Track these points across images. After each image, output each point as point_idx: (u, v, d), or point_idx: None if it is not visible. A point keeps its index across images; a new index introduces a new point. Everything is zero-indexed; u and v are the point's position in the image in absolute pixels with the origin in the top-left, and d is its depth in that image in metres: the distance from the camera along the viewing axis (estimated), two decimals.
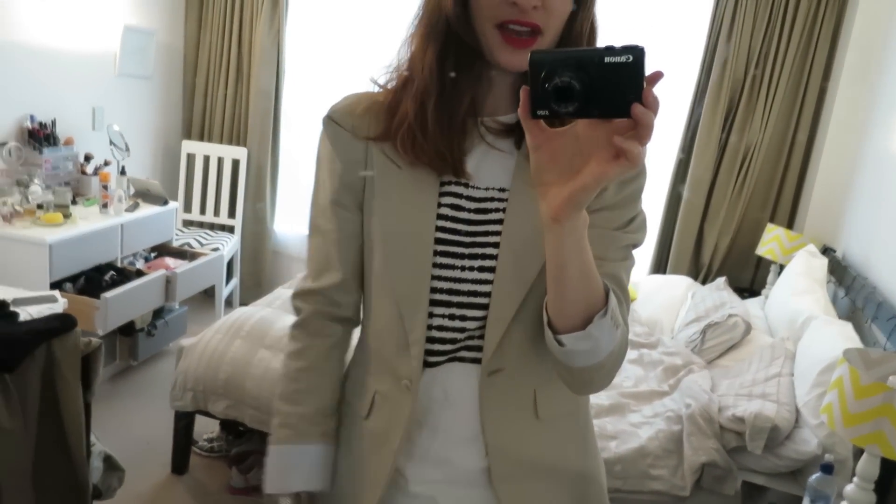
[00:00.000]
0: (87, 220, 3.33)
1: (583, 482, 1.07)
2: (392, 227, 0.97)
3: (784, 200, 3.96)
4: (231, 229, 4.61)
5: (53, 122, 3.56)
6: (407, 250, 0.97)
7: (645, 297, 3.69)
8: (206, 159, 4.57)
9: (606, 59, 0.68)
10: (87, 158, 3.75)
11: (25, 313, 2.25)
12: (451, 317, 0.97)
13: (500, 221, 0.96)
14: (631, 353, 3.01)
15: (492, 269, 0.96)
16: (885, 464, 1.86)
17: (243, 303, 4.47)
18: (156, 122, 4.54)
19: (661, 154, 4.00)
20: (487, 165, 0.97)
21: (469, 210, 0.97)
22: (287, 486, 1.04)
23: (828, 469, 1.94)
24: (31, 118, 3.47)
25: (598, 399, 2.55)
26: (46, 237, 3.01)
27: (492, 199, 0.97)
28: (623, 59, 0.68)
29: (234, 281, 4.61)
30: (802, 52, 3.76)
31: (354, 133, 0.99)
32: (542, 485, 1.03)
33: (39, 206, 3.20)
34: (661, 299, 3.62)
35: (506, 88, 0.96)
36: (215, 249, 4.08)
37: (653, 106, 0.69)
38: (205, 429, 2.98)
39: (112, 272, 3.38)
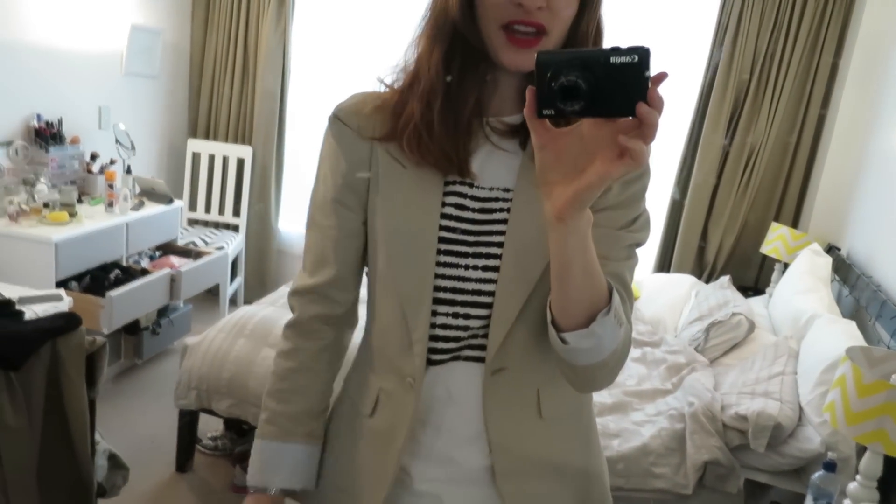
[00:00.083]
0: (92, 219, 3.34)
1: (586, 480, 1.07)
2: (396, 226, 0.98)
3: (789, 199, 3.96)
4: (236, 228, 4.62)
5: (60, 121, 3.57)
6: (410, 249, 0.97)
7: (648, 296, 3.69)
8: (212, 158, 4.59)
9: (612, 60, 0.69)
10: (93, 157, 3.77)
11: (31, 312, 2.26)
12: (455, 315, 0.97)
13: (504, 221, 0.96)
14: (634, 352, 3.01)
15: (496, 269, 0.96)
16: (889, 462, 1.87)
17: (247, 301, 4.48)
18: (161, 121, 4.56)
19: (665, 153, 4.00)
20: (492, 166, 0.97)
21: (473, 210, 0.97)
22: (268, 483, 1.06)
23: (831, 467, 1.94)
24: (38, 117, 3.48)
25: (601, 397, 2.56)
26: (52, 236, 3.02)
27: (496, 199, 0.97)
28: (629, 59, 0.69)
29: (239, 280, 4.62)
30: (808, 52, 3.76)
31: (360, 133, 0.99)
32: (545, 483, 1.03)
33: (45, 205, 3.21)
34: (665, 298, 3.62)
35: (511, 90, 0.96)
36: (220, 248, 4.10)
37: (657, 106, 0.69)
38: (209, 427, 3.00)
39: (117, 271, 3.39)
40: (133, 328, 3.50)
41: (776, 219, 3.93)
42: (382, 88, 1.01)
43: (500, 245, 0.96)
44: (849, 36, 3.74)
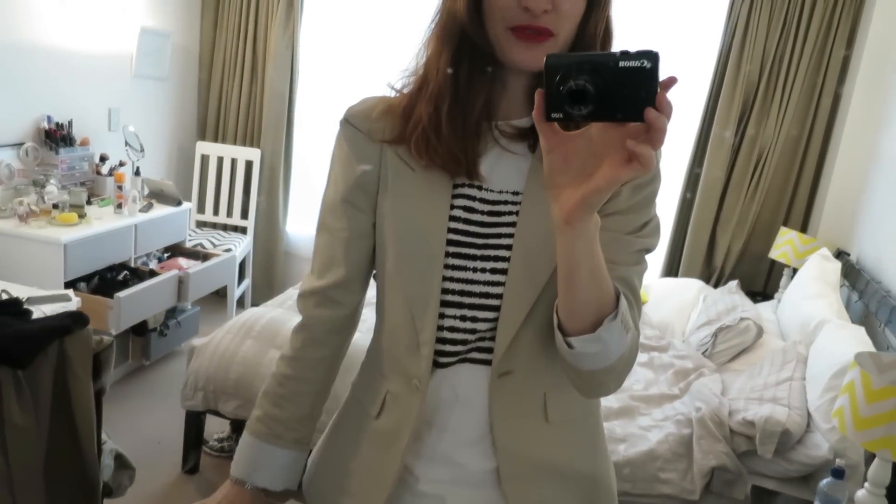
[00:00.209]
0: (101, 221, 3.35)
1: (592, 485, 1.07)
2: (404, 228, 0.98)
3: (798, 204, 3.94)
4: (244, 230, 4.64)
5: (70, 123, 3.59)
6: (418, 251, 0.97)
7: (656, 300, 3.68)
8: (220, 160, 4.60)
9: (621, 64, 0.69)
10: (103, 159, 3.79)
11: (39, 311, 2.26)
12: (463, 318, 0.97)
13: (512, 224, 0.96)
14: (641, 357, 3.00)
15: (504, 272, 0.96)
16: None
17: (255, 303, 4.49)
18: (170, 123, 4.58)
19: (673, 157, 3.99)
20: (501, 168, 0.98)
21: (482, 212, 0.97)
22: (248, 478, 1.07)
23: (839, 474, 1.92)
24: (48, 119, 3.50)
25: (607, 401, 2.55)
26: (61, 237, 3.03)
27: (505, 202, 0.97)
28: (638, 63, 0.68)
29: (247, 282, 4.63)
30: (818, 54, 3.75)
31: (370, 136, 1.00)
32: (551, 487, 1.03)
33: (55, 206, 3.23)
34: (673, 302, 3.61)
35: (520, 92, 0.96)
36: (228, 250, 4.11)
37: (666, 110, 0.69)
38: (215, 428, 3.00)
39: (125, 272, 3.41)
40: (141, 329, 3.52)
41: (785, 223, 3.92)
42: (393, 94, 1.01)
43: (508, 248, 0.96)
44: (858, 38, 3.72)
